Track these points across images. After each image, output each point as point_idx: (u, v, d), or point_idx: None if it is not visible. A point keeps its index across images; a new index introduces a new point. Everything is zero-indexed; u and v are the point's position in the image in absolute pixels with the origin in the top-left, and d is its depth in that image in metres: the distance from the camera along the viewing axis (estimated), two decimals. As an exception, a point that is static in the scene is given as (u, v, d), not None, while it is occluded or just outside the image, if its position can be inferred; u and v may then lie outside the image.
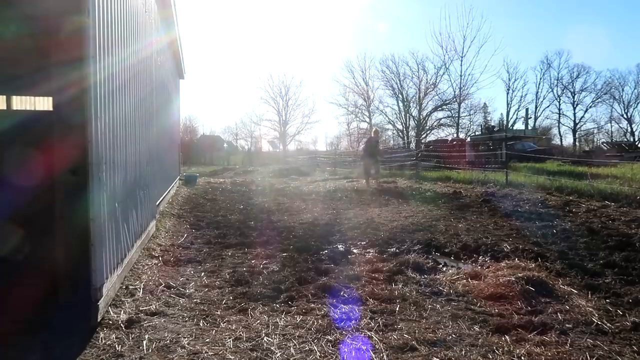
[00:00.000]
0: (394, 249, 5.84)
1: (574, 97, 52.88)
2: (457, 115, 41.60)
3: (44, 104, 8.21)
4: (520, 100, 51.53)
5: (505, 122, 48.52)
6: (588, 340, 3.11)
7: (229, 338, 3.14)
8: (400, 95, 43.82)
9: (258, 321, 3.46)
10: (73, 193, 3.94)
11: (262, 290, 4.19)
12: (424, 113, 42.08)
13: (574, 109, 53.23)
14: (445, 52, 40.00)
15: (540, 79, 53.45)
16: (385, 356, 2.89)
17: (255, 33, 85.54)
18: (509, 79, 49.96)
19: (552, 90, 53.02)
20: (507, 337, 3.17)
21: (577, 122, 53.44)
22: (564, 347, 3.00)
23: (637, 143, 45.91)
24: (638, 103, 52.20)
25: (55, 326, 3.33)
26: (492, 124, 45.45)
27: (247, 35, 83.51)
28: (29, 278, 4.02)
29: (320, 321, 3.43)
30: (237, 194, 13.21)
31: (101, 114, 3.58)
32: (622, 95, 52.47)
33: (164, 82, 9.30)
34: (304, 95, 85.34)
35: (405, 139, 43.50)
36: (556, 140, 54.32)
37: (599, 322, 3.41)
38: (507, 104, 50.99)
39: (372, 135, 16.26)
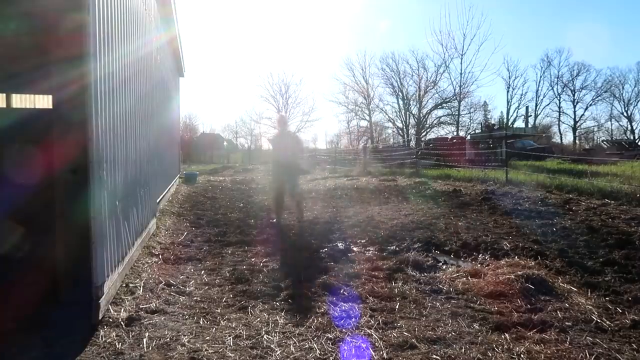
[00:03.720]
0: (394, 247, 5.84)
1: (574, 95, 52.86)
2: (457, 114, 41.62)
3: (44, 101, 8.21)
4: (521, 98, 51.52)
5: (505, 120, 48.49)
6: (587, 338, 3.12)
7: (229, 336, 3.15)
8: (400, 93, 43.82)
9: (258, 319, 3.47)
10: (73, 191, 3.94)
11: (262, 288, 4.20)
12: (424, 111, 42.11)
13: (574, 107, 53.23)
14: (445, 50, 40.07)
15: (541, 77, 53.45)
16: (385, 354, 2.90)
17: (255, 31, 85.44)
18: (509, 77, 49.91)
19: (552, 88, 53.02)
20: (506, 335, 3.17)
21: (577, 120, 53.43)
22: (563, 344, 3.01)
23: (637, 141, 45.89)
24: (638, 101, 52.18)
25: (56, 324, 3.34)
26: (492, 122, 45.46)
27: (247, 33, 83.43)
28: (30, 276, 4.03)
29: (320, 319, 3.44)
30: (237, 192, 13.21)
31: (101, 112, 3.57)
32: (622, 94, 52.45)
33: (163, 80, 9.29)
34: (304, 93, 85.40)
35: (406, 137, 43.50)
36: (556, 139, 54.34)
37: (599, 320, 3.41)
38: (507, 102, 50.96)
39: (278, 124, 8.86)
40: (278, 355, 2.89)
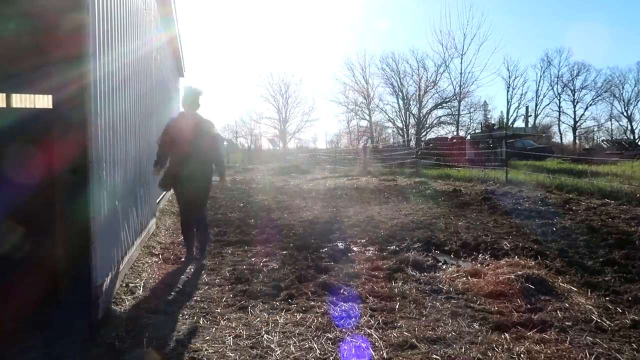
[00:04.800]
0: (394, 246, 5.84)
1: (574, 95, 52.82)
2: (457, 113, 41.61)
3: (43, 101, 8.21)
4: (521, 98, 51.49)
5: (505, 120, 48.46)
6: (587, 337, 3.12)
7: (229, 336, 3.15)
8: (400, 93, 43.82)
9: (258, 319, 3.46)
10: (73, 191, 3.94)
11: (262, 288, 4.20)
12: (424, 111, 42.11)
13: (574, 106, 53.20)
14: (445, 49, 40.01)
15: (541, 76, 53.41)
16: (385, 354, 2.90)
17: (255, 31, 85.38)
18: (509, 76, 49.85)
19: (553, 88, 52.98)
20: (506, 334, 3.17)
21: (577, 120, 53.40)
22: (563, 344, 3.01)
23: (637, 141, 45.88)
24: (638, 101, 52.17)
25: (55, 324, 3.34)
26: (492, 121, 45.48)
27: (247, 33, 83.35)
28: (30, 276, 4.03)
29: (320, 319, 3.44)
30: (237, 192, 13.20)
31: (101, 112, 3.57)
32: (622, 93, 52.43)
33: (163, 80, 9.28)
34: (304, 93, 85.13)
35: (406, 136, 43.51)
36: (556, 138, 54.32)
37: (599, 320, 3.41)
38: (507, 102, 50.92)
39: (184, 102, 5.17)
40: (278, 355, 2.89)
